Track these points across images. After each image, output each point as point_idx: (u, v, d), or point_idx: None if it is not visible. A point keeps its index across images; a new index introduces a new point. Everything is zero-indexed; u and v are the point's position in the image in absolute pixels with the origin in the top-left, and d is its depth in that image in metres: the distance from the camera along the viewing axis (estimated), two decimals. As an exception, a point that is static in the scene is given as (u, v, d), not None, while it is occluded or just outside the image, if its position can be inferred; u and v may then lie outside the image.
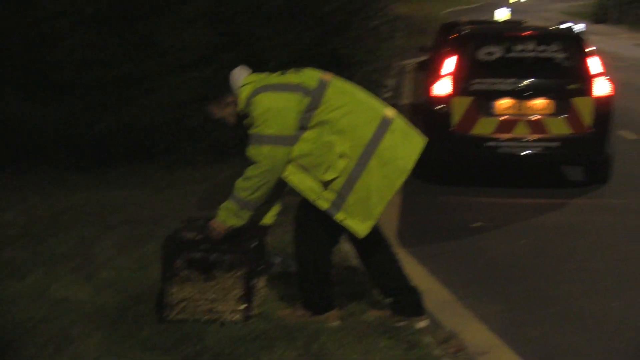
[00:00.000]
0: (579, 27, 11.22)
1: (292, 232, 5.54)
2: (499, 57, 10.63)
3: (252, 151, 5.24)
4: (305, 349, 5.13)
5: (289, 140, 5.22)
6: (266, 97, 5.24)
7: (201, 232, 5.48)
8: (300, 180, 5.30)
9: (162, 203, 8.50)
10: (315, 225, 5.40)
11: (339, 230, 5.42)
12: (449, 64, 10.57)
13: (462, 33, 11.41)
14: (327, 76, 5.46)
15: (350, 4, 13.75)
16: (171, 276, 5.39)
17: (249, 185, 5.24)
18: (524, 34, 11.10)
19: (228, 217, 5.32)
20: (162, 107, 10.23)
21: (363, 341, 5.27)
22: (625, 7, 64.09)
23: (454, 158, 10.44)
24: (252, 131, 5.27)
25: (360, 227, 5.30)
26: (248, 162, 5.26)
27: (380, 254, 5.65)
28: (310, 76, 5.39)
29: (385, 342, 5.27)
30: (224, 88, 5.45)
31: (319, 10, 12.60)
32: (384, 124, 5.34)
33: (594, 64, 10.38)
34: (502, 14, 46.50)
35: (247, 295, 5.41)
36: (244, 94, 5.36)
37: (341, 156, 5.21)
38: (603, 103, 10.27)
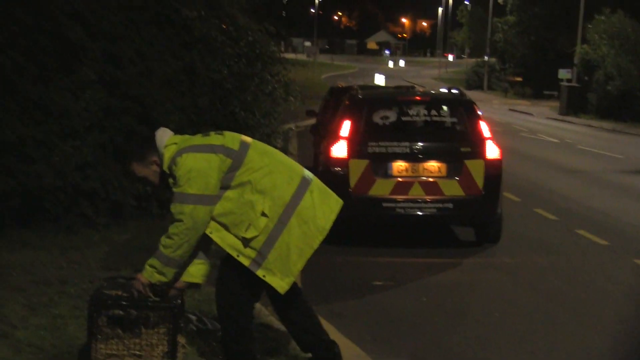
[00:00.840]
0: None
1: (215, 288, 5.66)
2: (394, 121, 10.92)
3: (175, 209, 5.37)
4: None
5: (211, 200, 5.38)
6: (190, 158, 5.39)
7: (124, 290, 5.56)
8: (221, 238, 5.46)
9: (68, 264, 8.48)
10: (237, 282, 5.54)
11: (261, 286, 5.57)
12: (345, 127, 10.81)
13: (358, 97, 11.67)
14: (248, 139, 5.68)
15: (247, 68, 13.97)
16: (96, 333, 5.45)
17: (172, 242, 5.36)
18: (417, 98, 11.46)
19: (153, 273, 5.41)
20: (60, 170, 10.17)
21: (286, 394, 5.43)
22: (497, 74, 66.33)
23: (353, 219, 10.47)
24: (176, 190, 5.40)
25: (281, 284, 5.48)
26: (172, 220, 5.39)
27: (298, 309, 5.84)
28: (232, 138, 5.58)
29: (307, 395, 5.45)
30: (148, 148, 5.59)
31: (215, 74, 12.77)
32: (304, 185, 5.56)
33: (484, 128, 10.80)
34: (380, 80, 47.91)
35: (172, 352, 5.50)
36: (167, 154, 5.51)
37: (262, 215, 5.40)
38: (493, 166, 10.64)
